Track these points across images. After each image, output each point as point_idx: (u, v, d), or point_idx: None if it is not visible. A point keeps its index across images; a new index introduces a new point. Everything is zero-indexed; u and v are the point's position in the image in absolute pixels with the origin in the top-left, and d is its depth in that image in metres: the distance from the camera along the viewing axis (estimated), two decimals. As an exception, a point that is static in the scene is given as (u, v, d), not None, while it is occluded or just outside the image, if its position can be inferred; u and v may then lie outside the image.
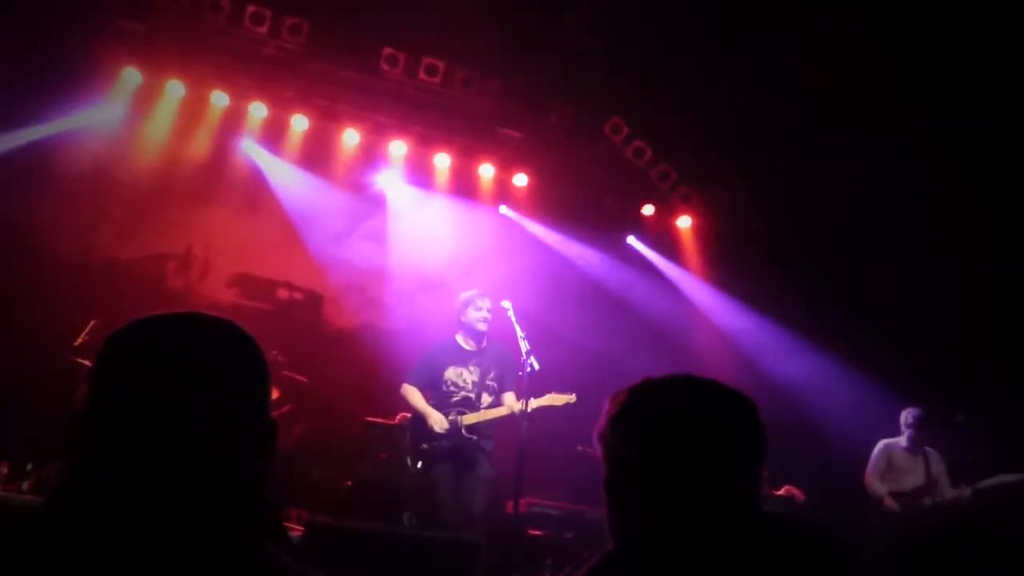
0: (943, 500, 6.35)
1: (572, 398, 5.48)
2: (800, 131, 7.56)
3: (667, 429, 1.47)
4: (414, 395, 5.62)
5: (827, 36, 6.81)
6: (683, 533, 1.41)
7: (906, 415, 6.60)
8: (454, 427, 5.45)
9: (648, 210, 8.72)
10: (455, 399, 5.60)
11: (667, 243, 8.82)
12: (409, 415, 6.56)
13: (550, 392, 5.48)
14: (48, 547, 1.06)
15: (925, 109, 6.99)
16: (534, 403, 5.34)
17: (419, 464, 5.47)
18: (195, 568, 1.06)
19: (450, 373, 5.60)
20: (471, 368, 5.62)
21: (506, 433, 5.64)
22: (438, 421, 5.45)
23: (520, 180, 8.46)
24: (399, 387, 5.77)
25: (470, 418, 5.48)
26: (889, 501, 6.37)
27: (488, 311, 5.62)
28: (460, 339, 5.71)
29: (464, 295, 5.77)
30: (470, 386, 5.58)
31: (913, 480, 6.49)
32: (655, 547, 1.41)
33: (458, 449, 5.45)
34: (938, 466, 6.56)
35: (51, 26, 6.98)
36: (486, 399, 5.56)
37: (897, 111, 7.13)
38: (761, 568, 1.38)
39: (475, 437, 5.47)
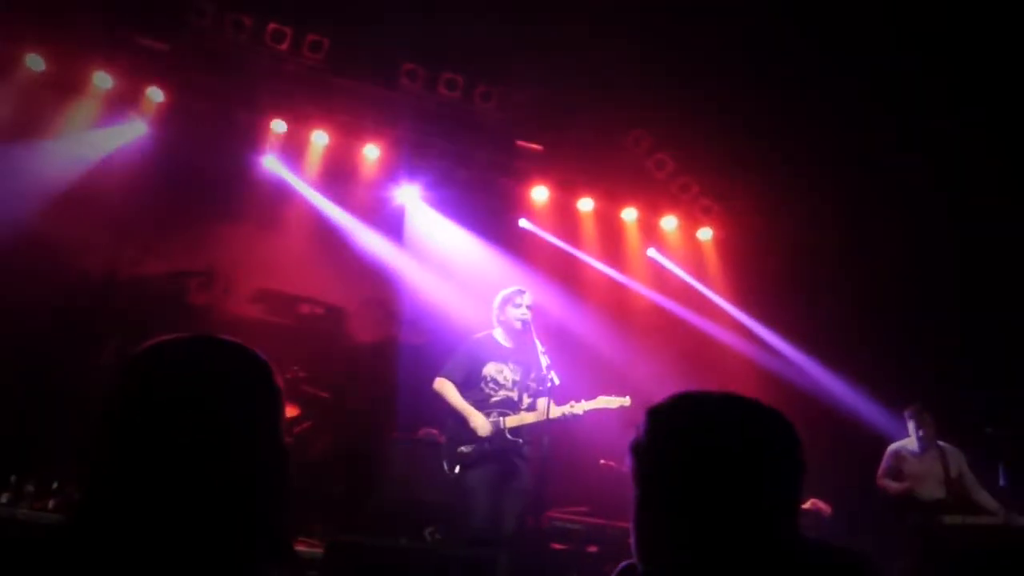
0: (981, 520, 5.96)
1: (626, 401, 5.10)
2: (826, 145, 7.47)
3: (709, 447, 1.41)
4: (451, 392, 5.16)
5: (857, 49, 6.72)
6: (719, 554, 1.36)
7: (906, 413, 6.38)
8: (497, 429, 5.08)
9: (669, 222, 8.69)
10: (495, 399, 5.21)
11: (688, 256, 8.76)
12: (433, 431, 6.54)
13: (601, 395, 5.13)
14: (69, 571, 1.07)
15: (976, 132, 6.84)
16: (586, 405, 5.07)
17: (456, 468, 5.06)
18: None
19: (490, 369, 5.22)
20: (511, 366, 5.26)
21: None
22: (482, 425, 5.04)
23: (540, 193, 8.46)
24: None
25: (513, 420, 5.10)
26: (895, 486, 6.20)
27: (528, 308, 5.27)
28: (498, 335, 5.35)
29: (502, 292, 5.42)
30: (511, 385, 5.22)
31: (931, 488, 6.14)
32: (689, 568, 1.37)
33: (501, 453, 5.06)
34: (958, 464, 6.19)
35: (74, 46, 7.10)
36: (527, 400, 5.22)
37: (940, 129, 6.98)
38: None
39: (520, 440, 5.09)
